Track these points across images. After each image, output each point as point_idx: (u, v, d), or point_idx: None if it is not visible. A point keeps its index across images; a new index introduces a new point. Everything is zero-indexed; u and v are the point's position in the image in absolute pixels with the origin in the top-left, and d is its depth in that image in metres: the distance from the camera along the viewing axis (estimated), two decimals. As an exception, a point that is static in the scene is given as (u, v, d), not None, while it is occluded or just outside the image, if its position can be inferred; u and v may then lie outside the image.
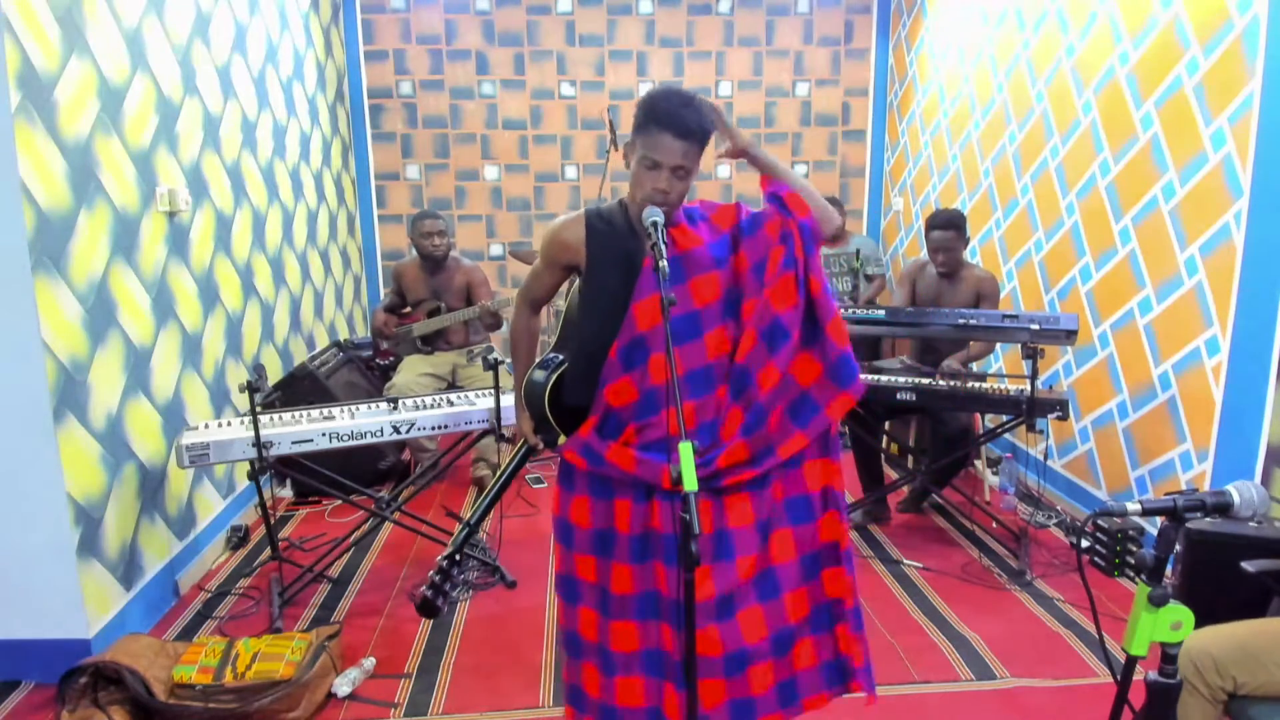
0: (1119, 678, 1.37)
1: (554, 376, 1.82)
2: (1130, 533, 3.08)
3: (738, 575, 1.74)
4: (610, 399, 1.75)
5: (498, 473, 2.07)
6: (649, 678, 1.80)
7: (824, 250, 5.34)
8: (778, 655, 1.77)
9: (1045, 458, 4.00)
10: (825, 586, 1.83)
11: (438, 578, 1.90)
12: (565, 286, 2.04)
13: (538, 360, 1.91)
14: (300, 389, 3.88)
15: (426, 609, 1.89)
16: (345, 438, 2.82)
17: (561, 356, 1.85)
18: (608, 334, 1.74)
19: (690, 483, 1.32)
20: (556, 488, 1.89)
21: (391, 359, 4.37)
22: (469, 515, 2.12)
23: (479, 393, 3.18)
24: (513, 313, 2.03)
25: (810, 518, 1.82)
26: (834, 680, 1.85)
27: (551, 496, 1.92)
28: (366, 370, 4.51)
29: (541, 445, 1.96)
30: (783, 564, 1.79)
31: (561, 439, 1.86)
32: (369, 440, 2.87)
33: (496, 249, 6.04)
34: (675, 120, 1.64)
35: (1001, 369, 4.45)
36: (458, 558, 1.95)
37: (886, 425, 3.84)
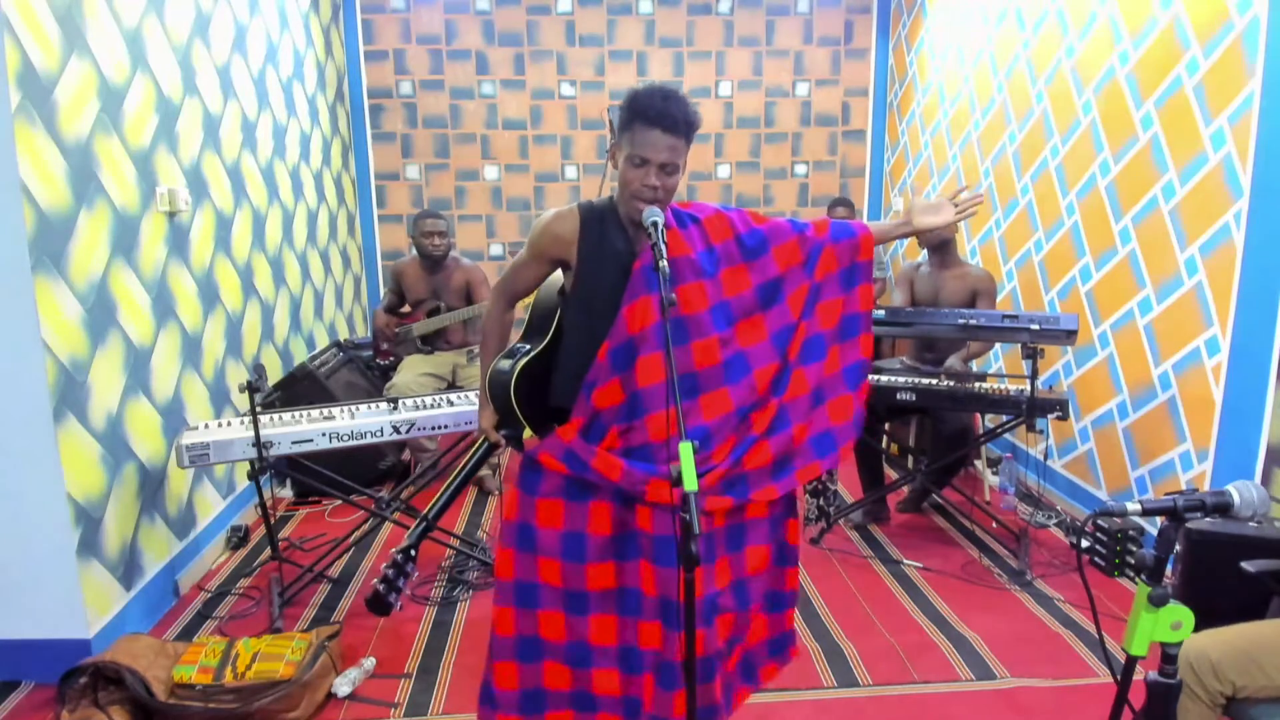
0: (1119, 678, 1.37)
1: (520, 365, 1.77)
2: (1130, 533, 3.08)
3: (716, 581, 1.78)
4: (597, 402, 1.74)
5: (456, 471, 2.03)
6: (624, 673, 1.83)
7: None
8: (726, 657, 1.86)
9: (1045, 458, 4.00)
10: (786, 580, 1.94)
11: (390, 571, 1.84)
12: None
13: (504, 351, 1.88)
14: (300, 389, 3.88)
15: (376, 604, 1.82)
16: (345, 438, 2.82)
17: (529, 346, 1.81)
18: (599, 334, 1.73)
19: (690, 483, 1.32)
20: (515, 492, 1.82)
21: (391, 359, 4.37)
22: (426, 509, 2.07)
23: (479, 393, 3.18)
24: (488, 305, 1.98)
25: (776, 529, 1.90)
26: (778, 651, 1.98)
27: (506, 501, 1.85)
28: (366, 370, 4.51)
29: (503, 442, 1.92)
30: (753, 575, 1.86)
31: (527, 433, 1.80)
32: (369, 440, 2.87)
33: (496, 249, 6.04)
34: (662, 116, 1.63)
35: (1001, 369, 4.45)
36: (413, 553, 1.91)
37: (886, 425, 3.84)
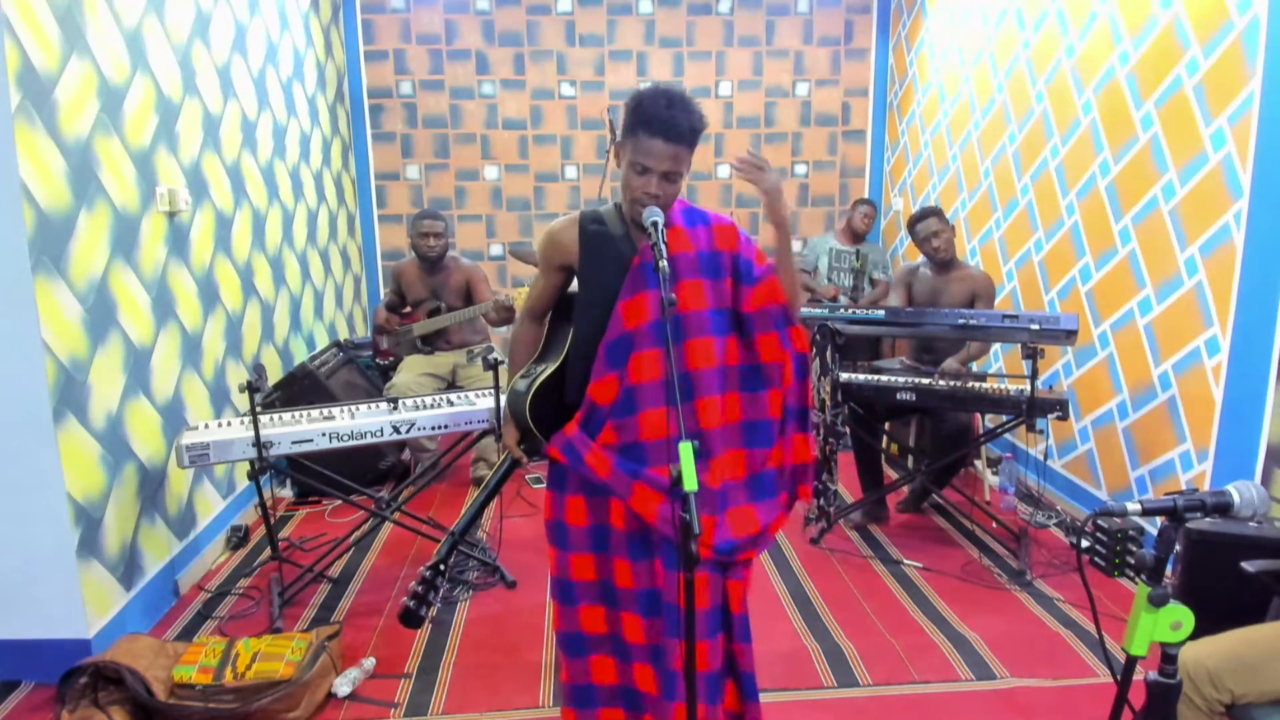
0: (1119, 678, 1.37)
1: (535, 386, 1.81)
2: (1130, 533, 3.08)
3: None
4: (594, 395, 1.77)
5: (482, 486, 2.06)
6: (658, 670, 1.82)
7: (834, 246, 5.33)
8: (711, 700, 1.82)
9: (1045, 458, 4.00)
10: (740, 660, 1.85)
11: (420, 588, 1.89)
12: None
13: (521, 372, 1.92)
14: (300, 389, 3.88)
15: (408, 618, 1.87)
16: (345, 438, 2.82)
17: (543, 366, 1.85)
18: (601, 332, 1.75)
19: (690, 482, 1.32)
20: (548, 492, 1.89)
21: (391, 359, 4.37)
22: (454, 525, 2.10)
23: (479, 393, 3.18)
24: (515, 324, 2.01)
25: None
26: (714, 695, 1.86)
27: (544, 501, 1.93)
28: (366, 370, 4.51)
29: (526, 459, 1.96)
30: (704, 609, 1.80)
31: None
32: (369, 440, 2.87)
33: (496, 249, 6.04)
34: (666, 125, 1.62)
35: (1001, 369, 4.45)
36: (442, 568, 1.94)
37: (886, 425, 3.84)
